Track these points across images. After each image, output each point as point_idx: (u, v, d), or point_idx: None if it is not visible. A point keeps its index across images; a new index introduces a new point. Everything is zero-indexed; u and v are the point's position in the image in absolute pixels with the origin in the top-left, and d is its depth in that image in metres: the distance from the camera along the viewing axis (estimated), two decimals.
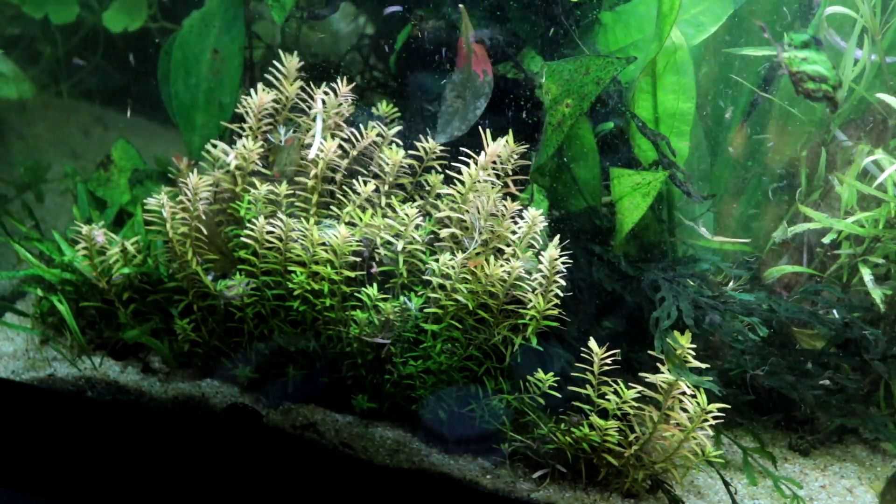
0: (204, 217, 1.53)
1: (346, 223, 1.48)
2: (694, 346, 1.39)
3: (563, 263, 1.42)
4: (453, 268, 1.43)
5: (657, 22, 1.57)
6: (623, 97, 1.68)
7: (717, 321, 1.54)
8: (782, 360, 1.61)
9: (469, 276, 1.43)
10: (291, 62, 1.59)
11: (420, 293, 1.47)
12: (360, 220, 1.48)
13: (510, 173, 1.51)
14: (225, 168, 1.55)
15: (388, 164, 1.53)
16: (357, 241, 1.46)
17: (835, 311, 1.64)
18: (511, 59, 1.59)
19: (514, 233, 1.46)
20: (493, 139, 1.49)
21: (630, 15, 1.69)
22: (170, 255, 1.56)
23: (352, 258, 1.46)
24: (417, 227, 1.47)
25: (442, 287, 1.44)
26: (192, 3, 1.91)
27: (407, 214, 1.45)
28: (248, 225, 1.50)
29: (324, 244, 1.46)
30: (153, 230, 1.56)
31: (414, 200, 1.54)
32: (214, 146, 1.58)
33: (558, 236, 1.46)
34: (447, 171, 1.53)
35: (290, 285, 1.48)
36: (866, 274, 1.63)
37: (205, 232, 1.53)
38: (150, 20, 2.30)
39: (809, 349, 1.68)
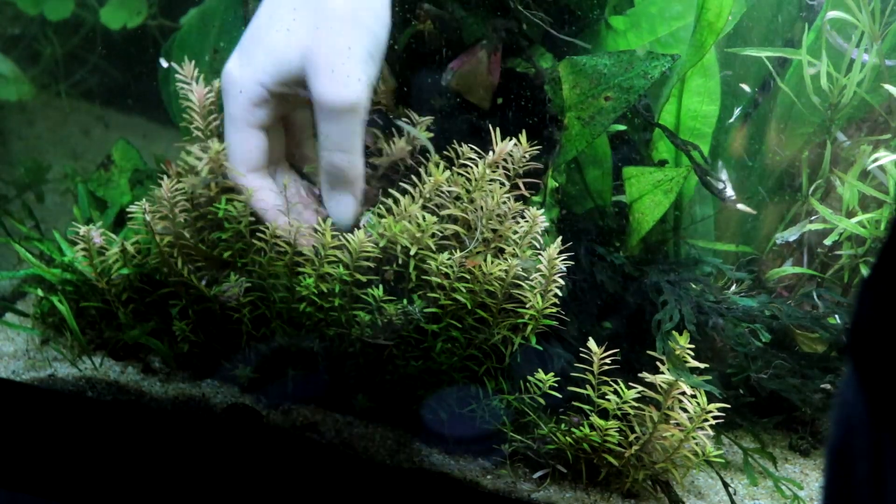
0: (185, 223, 1.51)
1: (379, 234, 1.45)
2: (693, 346, 1.39)
3: (566, 264, 1.42)
4: (451, 267, 1.42)
5: (696, 29, 1.55)
6: (650, 107, 1.67)
7: (721, 325, 1.54)
8: (785, 363, 1.61)
9: (468, 276, 1.42)
10: None
11: (421, 293, 1.46)
12: (390, 228, 1.44)
13: (521, 175, 1.49)
14: (197, 172, 1.51)
15: (429, 182, 1.48)
16: (378, 248, 1.43)
17: (836, 317, 1.64)
18: (523, 52, 1.58)
19: (515, 232, 1.46)
20: (502, 136, 1.47)
21: (641, 17, 1.68)
22: (160, 260, 1.54)
23: (365, 263, 1.44)
24: (433, 235, 1.44)
25: (441, 286, 1.44)
26: (193, 2, 1.91)
27: (425, 220, 1.42)
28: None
29: (337, 246, 1.43)
30: (144, 238, 1.55)
31: (439, 208, 1.51)
32: (189, 152, 1.54)
33: (560, 238, 1.45)
34: (453, 169, 1.52)
35: (298, 288, 1.46)
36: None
37: (188, 237, 1.50)
38: (150, 18, 2.29)
39: (811, 352, 1.68)
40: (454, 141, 1.51)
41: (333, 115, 1.35)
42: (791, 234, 1.72)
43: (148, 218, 1.50)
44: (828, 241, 1.70)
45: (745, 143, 1.81)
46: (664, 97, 1.66)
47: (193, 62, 1.55)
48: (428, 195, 1.47)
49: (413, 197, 1.47)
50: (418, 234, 1.42)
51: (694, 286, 1.58)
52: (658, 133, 1.70)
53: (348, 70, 1.33)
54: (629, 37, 1.70)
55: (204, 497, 1.46)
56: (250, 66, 1.38)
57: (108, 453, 1.48)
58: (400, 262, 1.45)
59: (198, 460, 1.47)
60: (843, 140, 1.76)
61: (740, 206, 1.64)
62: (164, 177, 1.52)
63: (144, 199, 1.53)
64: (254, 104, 1.38)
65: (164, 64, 1.87)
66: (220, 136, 1.52)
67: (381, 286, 1.44)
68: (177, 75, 1.55)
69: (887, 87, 1.64)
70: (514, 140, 1.47)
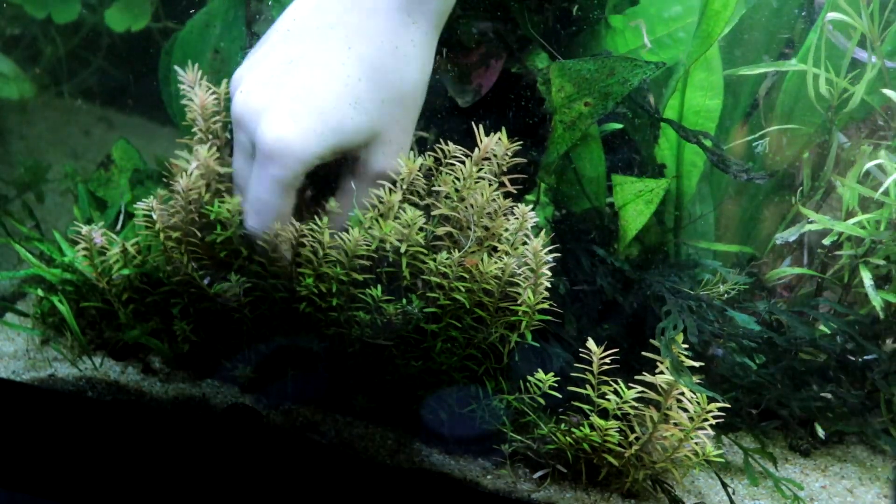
0: (195, 221, 1.51)
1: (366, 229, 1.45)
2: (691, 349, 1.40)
3: (559, 260, 1.42)
4: (450, 266, 1.42)
5: (702, 19, 1.54)
6: (654, 101, 1.67)
7: (720, 355, 1.55)
8: (782, 385, 1.62)
9: (465, 275, 1.42)
10: None
11: (420, 293, 1.46)
12: (380, 227, 1.44)
13: (506, 171, 1.48)
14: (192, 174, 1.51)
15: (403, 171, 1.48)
16: (370, 248, 1.43)
17: (838, 338, 1.64)
18: (515, 54, 1.58)
19: (506, 230, 1.46)
20: (495, 134, 1.47)
21: (640, 17, 1.68)
22: (165, 257, 1.53)
23: (361, 262, 1.44)
24: (422, 229, 1.44)
25: (440, 286, 1.44)
26: (194, 3, 1.91)
27: (412, 218, 1.42)
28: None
29: (334, 246, 1.43)
30: (148, 234, 1.54)
31: (428, 207, 1.50)
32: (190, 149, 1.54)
33: (545, 232, 1.45)
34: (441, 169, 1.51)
35: (298, 288, 1.46)
36: (867, 278, 1.63)
37: (199, 235, 1.50)
38: (152, 20, 2.29)
39: (810, 360, 1.68)
40: (445, 140, 1.50)
41: (376, 180, 1.42)
42: (791, 234, 1.72)
43: (155, 215, 1.50)
44: (826, 242, 1.70)
45: (746, 143, 1.81)
46: (669, 90, 1.66)
47: (196, 66, 1.55)
48: (406, 187, 1.47)
49: (391, 189, 1.47)
50: (405, 231, 1.43)
51: (692, 302, 1.57)
52: (660, 130, 1.70)
53: (402, 142, 1.41)
54: (627, 36, 1.69)
55: (204, 497, 1.46)
56: (309, 137, 1.34)
57: (108, 453, 1.48)
58: (391, 259, 1.45)
59: (198, 460, 1.47)
60: (843, 141, 1.76)
61: (759, 180, 1.64)
62: (182, 173, 1.53)
63: (152, 196, 1.52)
64: (304, 172, 1.37)
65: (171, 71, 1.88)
66: (219, 137, 1.54)
67: (378, 286, 1.44)
68: (179, 80, 1.55)
69: (886, 91, 1.65)
70: (497, 137, 1.46)
